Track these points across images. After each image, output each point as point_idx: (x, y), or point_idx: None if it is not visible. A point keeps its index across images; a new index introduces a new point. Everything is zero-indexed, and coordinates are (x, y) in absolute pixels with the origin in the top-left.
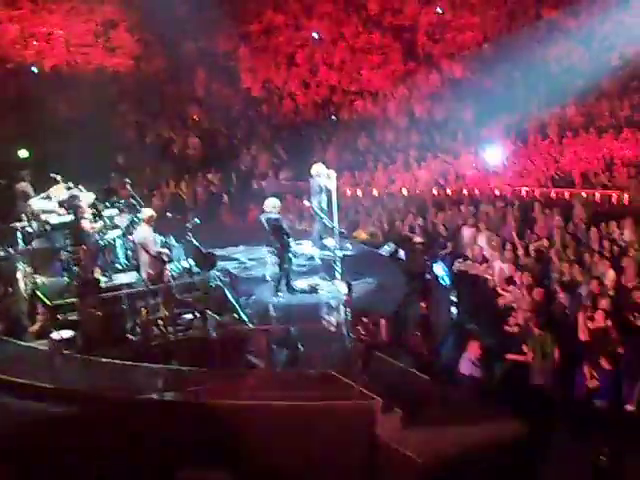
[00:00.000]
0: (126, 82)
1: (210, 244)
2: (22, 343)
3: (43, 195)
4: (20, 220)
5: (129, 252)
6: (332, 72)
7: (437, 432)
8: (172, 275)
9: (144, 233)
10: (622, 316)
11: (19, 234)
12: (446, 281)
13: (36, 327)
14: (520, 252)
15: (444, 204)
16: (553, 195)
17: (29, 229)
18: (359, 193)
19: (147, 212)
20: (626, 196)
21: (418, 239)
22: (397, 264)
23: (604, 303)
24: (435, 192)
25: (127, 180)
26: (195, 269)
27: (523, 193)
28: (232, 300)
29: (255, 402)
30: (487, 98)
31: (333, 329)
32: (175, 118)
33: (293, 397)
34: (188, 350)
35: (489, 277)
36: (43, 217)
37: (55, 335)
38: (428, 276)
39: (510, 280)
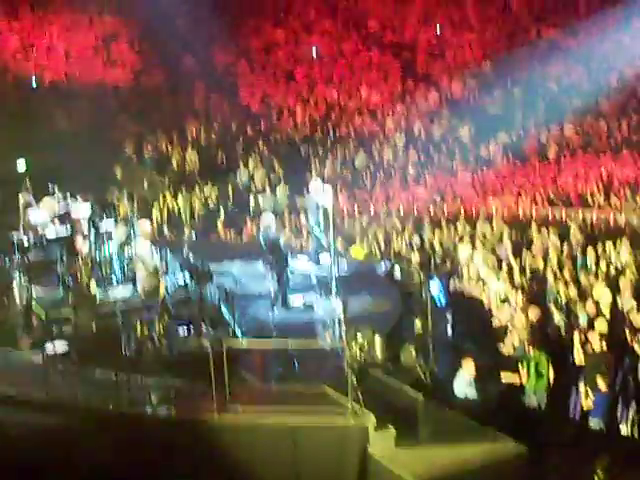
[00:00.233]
0: (125, 95)
1: (207, 259)
2: (16, 354)
3: (36, 207)
4: (17, 231)
5: (125, 265)
6: (331, 89)
7: (430, 451)
8: (167, 289)
9: (141, 247)
10: (618, 338)
11: (15, 245)
12: (442, 300)
13: (31, 339)
14: (516, 272)
15: (441, 222)
16: (550, 215)
17: (26, 240)
18: (356, 210)
19: (144, 226)
20: (623, 217)
21: (414, 258)
22: (393, 282)
23: (600, 324)
24: (432, 210)
25: (124, 193)
26: (191, 284)
27: (520, 212)
28: (227, 315)
29: (247, 418)
30: (485, 117)
31: (327, 346)
32: (173, 132)
33: (286, 413)
34: (182, 365)
35: (485, 296)
36: (40, 229)
37: (49, 347)
38: (424, 295)
39: (505, 300)
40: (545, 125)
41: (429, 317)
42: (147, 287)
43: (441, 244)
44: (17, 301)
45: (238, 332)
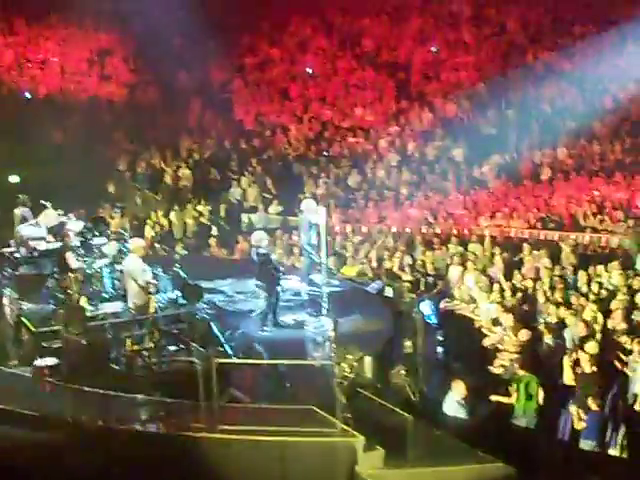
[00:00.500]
0: (119, 111)
1: (198, 276)
2: (5, 370)
3: (32, 222)
4: (8, 246)
5: (116, 281)
6: (325, 107)
7: (419, 472)
8: (158, 306)
9: (133, 262)
10: (608, 360)
11: (6, 259)
12: (433, 320)
13: (20, 354)
14: (507, 293)
15: (433, 242)
16: (542, 236)
17: (17, 255)
18: (348, 229)
19: (137, 242)
20: (615, 239)
21: (406, 277)
22: (384, 302)
23: (590, 346)
24: (424, 230)
25: (116, 209)
26: (181, 301)
27: (512, 234)
28: (217, 333)
29: (236, 437)
30: (479, 138)
31: (318, 365)
32: (167, 148)
33: (275, 432)
34: (171, 382)
35: (475, 317)
36: (31, 243)
37: (39, 362)
38: (415, 314)
39: (496, 321)
40: (538, 147)
41: (419, 337)
42: (138, 303)
43: (433, 264)
44: (7, 315)
45: (228, 349)
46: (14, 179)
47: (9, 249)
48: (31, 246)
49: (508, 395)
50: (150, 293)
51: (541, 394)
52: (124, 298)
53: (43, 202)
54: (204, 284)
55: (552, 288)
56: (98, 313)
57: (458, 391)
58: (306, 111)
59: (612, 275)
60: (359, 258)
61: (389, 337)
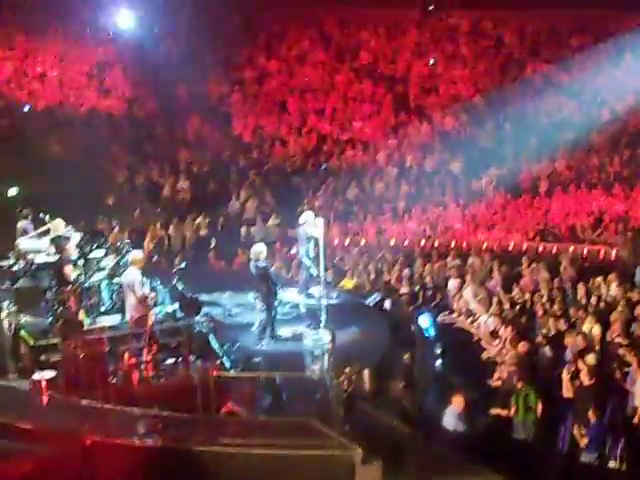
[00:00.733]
0: (118, 124)
1: (197, 289)
2: (3, 383)
3: (31, 234)
4: (7, 258)
5: (114, 294)
6: (323, 120)
7: None
8: (156, 319)
9: (132, 275)
10: (607, 372)
11: (5, 272)
12: (431, 333)
13: (19, 367)
14: (506, 306)
15: (431, 256)
16: (541, 249)
17: (15, 268)
18: (347, 242)
19: (136, 254)
20: (613, 252)
21: (404, 290)
22: (382, 314)
23: (589, 359)
24: (423, 243)
25: (115, 222)
26: (179, 314)
27: (510, 246)
28: (215, 346)
29: (234, 450)
30: (477, 150)
31: (316, 378)
32: (166, 161)
33: (273, 445)
34: (169, 395)
35: (474, 330)
36: (30, 256)
37: (37, 376)
38: (413, 327)
39: (495, 334)
40: (537, 159)
41: (418, 350)
42: (136, 316)
43: (431, 277)
44: (5, 328)
45: (226, 363)
46: (12, 192)
47: (8, 262)
48: (30, 259)
49: (507, 408)
50: (148, 306)
51: (540, 407)
52: (122, 311)
53: (41, 215)
54: (202, 297)
55: (551, 301)
56: (96, 326)
57: (457, 404)
58: (304, 124)
59: (611, 287)
60: (358, 271)
61: (387, 350)
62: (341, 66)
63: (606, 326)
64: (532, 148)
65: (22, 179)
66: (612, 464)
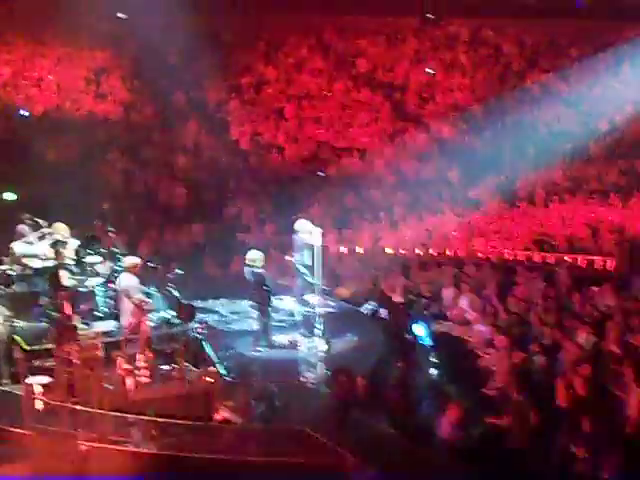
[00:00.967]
0: (115, 129)
1: (192, 295)
2: None
3: (26, 239)
4: (1, 263)
5: (109, 300)
6: (320, 128)
7: None
8: (151, 325)
9: (127, 281)
10: (602, 382)
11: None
12: (426, 341)
13: (12, 372)
14: (501, 315)
15: (427, 264)
16: (537, 258)
17: (10, 272)
18: (343, 250)
19: (132, 260)
20: (609, 262)
21: (400, 298)
22: (378, 323)
23: (584, 369)
24: (419, 252)
25: (111, 228)
26: (175, 320)
27: (506, 255)
28: (210, 353)
29: (228, 457)
30: (474, 159)
31: (311, 386)
32: (162, 167)
33: (266, 453)
34: (163, 401)
35: (469, 339)
36: (24, 261)
37: (31, 381)
38: (408, 336)
39: (490, 343)
40: (534, 168)
41: (413, 358)
42: (131, 321)
43: (427, 285)
44: None
45: (221, 369)
46: (8, 196)
47: (2, 266)
48: (24, 263)
49: (502, 417)
50: (144, 312)
51: (535, 416)
52: (117, 317)
53: (37, 219)
54: (198, 304)
55: (546, 310)
56: (91, 332)
57: (452, 413)
58: (302, 131)
59: (606, 297)
60: (353, 279)
61: (382, 358)
62: (339, 74)
63: (601, 336)
64: (529, 157)
65: (18, 183)
66: (607, 474)
